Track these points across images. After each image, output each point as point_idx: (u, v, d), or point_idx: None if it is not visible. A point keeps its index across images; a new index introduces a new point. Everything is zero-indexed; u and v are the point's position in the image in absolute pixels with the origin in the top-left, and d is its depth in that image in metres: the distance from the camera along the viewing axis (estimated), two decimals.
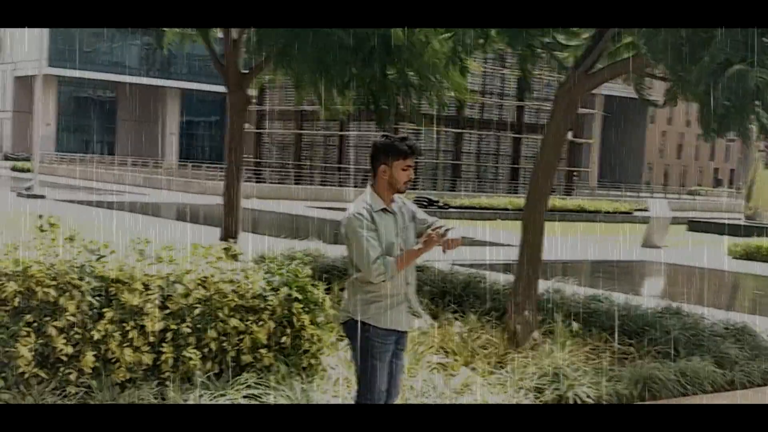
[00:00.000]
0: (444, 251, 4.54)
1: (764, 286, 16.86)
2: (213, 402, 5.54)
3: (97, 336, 5.57)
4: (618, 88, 58.59)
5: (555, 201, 36.50)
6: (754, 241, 21.82)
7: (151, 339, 5.78)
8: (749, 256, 20.95)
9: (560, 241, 21.38)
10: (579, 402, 6.70)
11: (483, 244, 20.89)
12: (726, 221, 32.70)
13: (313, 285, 6.55)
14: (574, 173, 55.88)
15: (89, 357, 5.55)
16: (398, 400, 5.60)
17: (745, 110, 6.57)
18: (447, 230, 4.53)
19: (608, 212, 39.53)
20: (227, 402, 5.57)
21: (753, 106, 6.57)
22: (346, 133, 48.90)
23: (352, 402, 4.81)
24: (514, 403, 6.28)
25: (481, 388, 6.54)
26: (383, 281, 4.51)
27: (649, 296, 12.82)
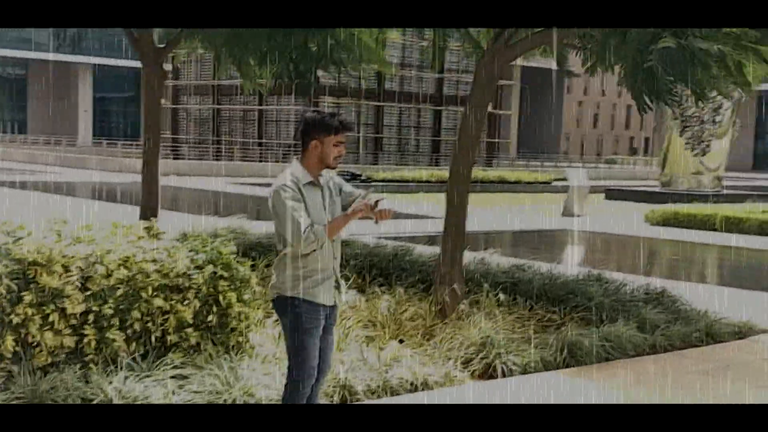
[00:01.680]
0: (376, 222, 4.52)
1: (681, 251, 17.31)
2: (151, 381, 5.44)
3: (16, 320, 5.41)
4: (535, 59, 59.19)
5: (476, 172, 36.74)
6: (670, 207, 22.37)
7: (73, 321, 5.64)
8: (666, 222, 21.48)
9: (483, 212, 21.60)
10: (505, 371, 6.79)
11: (408, 216, 20.96)
12: (642, 189, 33.48)
13: (238, 262, 6.47)
14: (494, 145, 56.42)
15: (9, 341, 5.38)
16: (328, 376, 5.57)
17: (680, 79, 6.63)
18: (377, 201, 4.50)
19: (528, 182, 40.08)
20: (153, 383, 5.47)
21: (685, 75, 6.64)
22: (265, 107, 48.42)
23: (284, 379, 4.76)
24: (510, 403, 6.28)
25: (410, 360, 6.56)
26: (314, 250, 4.47)
27: (571, 264, 13.03)
